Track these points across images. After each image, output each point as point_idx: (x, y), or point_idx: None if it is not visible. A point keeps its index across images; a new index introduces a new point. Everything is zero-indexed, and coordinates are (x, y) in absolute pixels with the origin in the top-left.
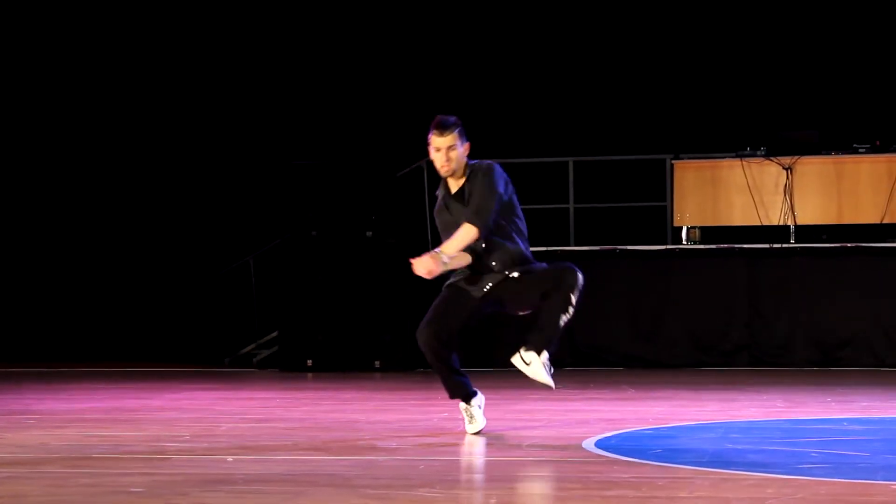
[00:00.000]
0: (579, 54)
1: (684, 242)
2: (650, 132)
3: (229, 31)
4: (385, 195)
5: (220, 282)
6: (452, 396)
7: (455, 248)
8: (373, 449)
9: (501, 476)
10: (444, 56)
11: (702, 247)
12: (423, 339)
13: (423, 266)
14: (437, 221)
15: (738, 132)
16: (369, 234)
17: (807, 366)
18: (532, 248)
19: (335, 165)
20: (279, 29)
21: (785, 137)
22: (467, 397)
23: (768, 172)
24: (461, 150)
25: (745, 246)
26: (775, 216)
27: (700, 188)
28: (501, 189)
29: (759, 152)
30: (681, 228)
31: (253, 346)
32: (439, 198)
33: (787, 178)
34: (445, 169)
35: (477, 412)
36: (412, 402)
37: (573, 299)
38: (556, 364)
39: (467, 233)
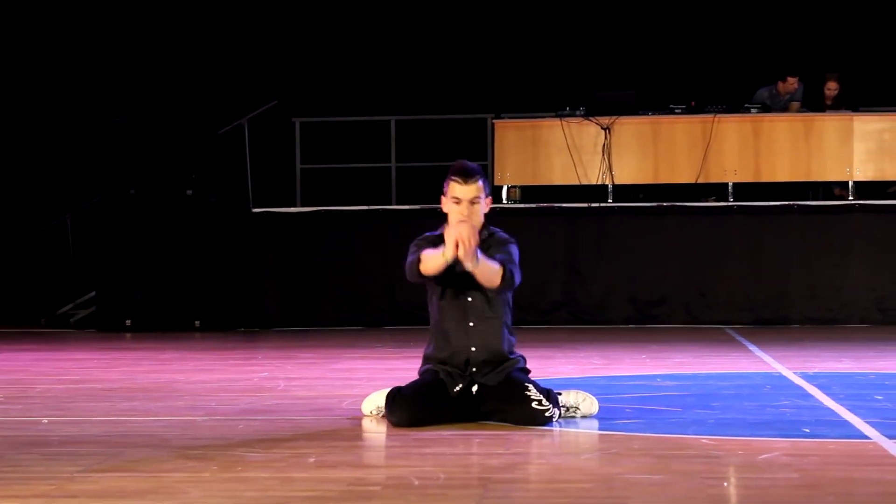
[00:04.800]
0: (400, 14)
1: (505, 201)
2: (471, 92)
3: None
4: (205, 153)
5: (36, 240)
6: None
7: (484, 266)
8: (192, 409)
9: (320, 434)
10: (264, 13)
11: (522, 206)
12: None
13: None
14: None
15: (558, 92)
16: (189, 192)
17: (623, 323)
18: (352, 207)
19: (154, 123)
20: None
21: (603, 98)
22: None
23: (587, 132)
24: (483, 205)
25: (565, 205)
26: (594, 175)
27: (520, 147)
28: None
29: (578, 112)
30: (501, 187)
31: (70, 306)
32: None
33: (606, 137)
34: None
35: None
36: (232, 361)
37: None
38: (377, 323)
39: (497, 271)
